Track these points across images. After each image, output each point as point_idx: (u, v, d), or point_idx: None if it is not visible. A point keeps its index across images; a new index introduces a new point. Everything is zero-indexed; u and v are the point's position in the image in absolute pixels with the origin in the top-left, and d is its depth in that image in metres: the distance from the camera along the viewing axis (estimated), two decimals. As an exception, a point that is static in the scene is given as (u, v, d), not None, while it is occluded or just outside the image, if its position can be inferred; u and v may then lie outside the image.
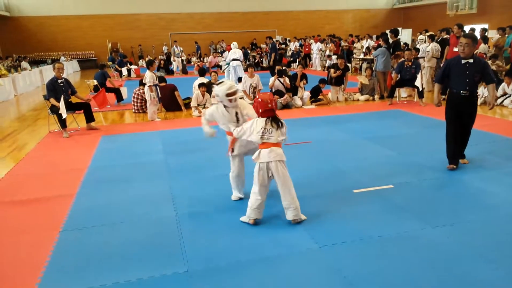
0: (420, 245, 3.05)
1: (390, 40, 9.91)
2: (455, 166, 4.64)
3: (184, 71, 18.65)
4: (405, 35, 18.84)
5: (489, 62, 10.09)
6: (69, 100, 7.30)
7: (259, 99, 3.39)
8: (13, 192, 4.49)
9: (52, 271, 2.88)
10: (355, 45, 18.33)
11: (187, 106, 9.19)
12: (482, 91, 8.78)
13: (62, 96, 6.89)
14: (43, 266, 2.94)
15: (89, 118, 7.48)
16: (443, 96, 8.87)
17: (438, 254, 2.92)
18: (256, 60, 19.99)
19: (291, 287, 2.60)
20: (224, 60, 14.18)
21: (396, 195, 3.99)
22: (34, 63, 19.64)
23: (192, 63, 22.12)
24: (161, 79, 9.15)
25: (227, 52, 15.61)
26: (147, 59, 22.80)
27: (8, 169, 5.36)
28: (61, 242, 3.30)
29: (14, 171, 5.26)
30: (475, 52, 10.65)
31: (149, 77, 8.17)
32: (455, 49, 9.09)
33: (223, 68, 17.36)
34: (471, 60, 4.43)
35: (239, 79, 10.70)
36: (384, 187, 4.20)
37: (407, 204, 3.77)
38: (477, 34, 12.11)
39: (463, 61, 4.47)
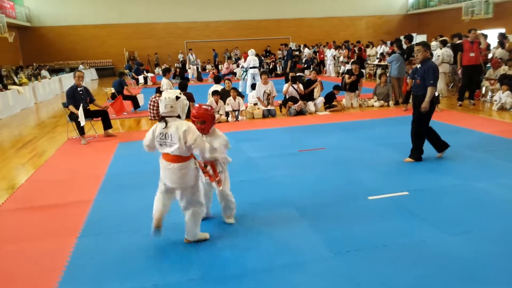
0: (436, 253, 3.02)
1: (404, 46, 9.85)
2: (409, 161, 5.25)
3: (199, 78, 18.84)
4: (419, 41, 18.66)
5: (506, 67, 9.92)
6: (88, 107, 7.46)
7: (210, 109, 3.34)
8: (33, 198, 4.60)
9: (70, 276, 2.94)
10: (368, 52, 18.24)
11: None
12: (500, 96, 8.65)
13: (81, 104, 7.06)
14: (62, 271, 3.00)
15: (107, 125, 7.62)
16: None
17: (455, 262, 2.89)
18: (271, 67, 20.08)
19: (305, 294, 2.61)
20: (242, 67, 14.21)
21: (411, 202, 3.96)
22: (54, 71, 20.10)
23: (207, 71, 22.33)
24: (183, 86, 9.11)
25: (242, 59, 15.72)
26: (163, 66, 23.13)
27: (28, 175, 5.49)
28: (79, 247, 3.36)
29: (34, 177, 5.39)
30: (490, 56, 10.51)
31: (166, 84, 8.36)
32: (472, 55, 8.99)
33: (237, 75, 17.48)
34: (419, 65, 5.10)
35: (253, 86, 10.76)
36: (400, 194, 4.17)
37: (422, 212, 3.74)
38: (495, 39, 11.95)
39: (418, 66, 5.18)
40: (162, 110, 3.02)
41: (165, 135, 3.03)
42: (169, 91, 3.09)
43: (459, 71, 9.27)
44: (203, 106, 3.33)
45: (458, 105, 9.18)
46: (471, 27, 9.70)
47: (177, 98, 3.01)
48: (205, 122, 3.30)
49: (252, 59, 12.70)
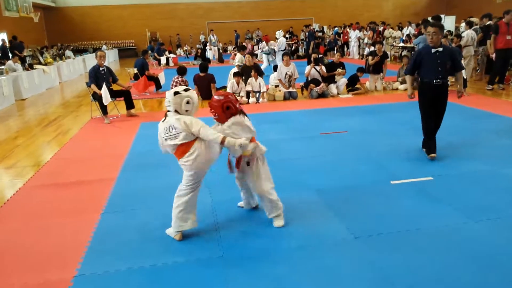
0: (461, 240, 2.94)
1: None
2: (434, 155, 4.64)
3: (220, 59, 18.76)
4: (448, 22, 18.00)
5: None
6: (110, 87, 7.53)
7: (229, 97, 3.07)
8: (58, 175, 4.70)
9: (94, 251, 3.01)
10: (394, 34, 17.75)
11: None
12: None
13: (104, 84, 7.14)
14: (85, 246, 3.07)
15: (129, 105, 7.70)
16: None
17: (480, 249, 2.81)
18: (293, 49, 19.80)
19: (325, 277, 2.59)
20: (263, 51, 13.97)
21: (435, 187, 3.87)
22: (78, 51, 20.38)
23: (229, 52, 22.20)
24: (203, 67, 9.17)
25: (264, 42, 15.48)
26: (196, 46, 22.92)
27: (53, 153, 5.62)
28: (102, 223, 3.43)
29: (58, 155, 5.51)
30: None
31: (239, 59, 10.13)
32: (508, 37, 8.61)
33: (258, 57, 17.32)
34: (440, 49, 4.49)
35: (275, 68, 10.64)
36: (423, 179, 4.08)
37: (447, 197, 3.65)
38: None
39: (433, 50, 4.51)
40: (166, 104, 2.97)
41: (168, 128, 2.93)
42: (177, 87, 2.95)
43: (493, 55, 8.90)
44: (215, 97, 3.10)
45: (489, 89, 8.87)
46: (504, 9, 9.25)
47: (175, 93, 2.89)
48: (216, 114, 3.09)
49: (281, 42, 12.47)
